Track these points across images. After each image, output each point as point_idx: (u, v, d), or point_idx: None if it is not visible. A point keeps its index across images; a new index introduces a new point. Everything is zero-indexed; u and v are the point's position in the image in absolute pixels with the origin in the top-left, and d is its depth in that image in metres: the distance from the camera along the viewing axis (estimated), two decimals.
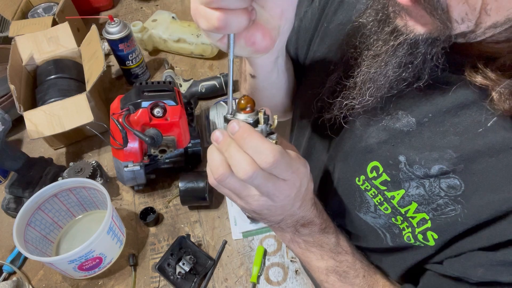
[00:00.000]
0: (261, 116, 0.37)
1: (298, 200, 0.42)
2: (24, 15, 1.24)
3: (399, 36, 0.35)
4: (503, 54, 0.34)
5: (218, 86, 1.06)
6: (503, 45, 0.34)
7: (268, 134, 0.38)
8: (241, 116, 0.37)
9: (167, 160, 0.88)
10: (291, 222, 0.46)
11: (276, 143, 0.37)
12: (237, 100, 0.38)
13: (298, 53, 0.63)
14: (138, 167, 0.79)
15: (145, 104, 0.74)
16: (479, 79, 0.35)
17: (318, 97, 0.54)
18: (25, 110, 0.87)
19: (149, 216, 0.83)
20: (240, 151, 0.36)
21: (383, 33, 0.37)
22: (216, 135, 0.38)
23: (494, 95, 0.34)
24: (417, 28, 0.33)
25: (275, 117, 0.38)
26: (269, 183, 0.37)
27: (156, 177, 0.89)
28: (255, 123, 0.37)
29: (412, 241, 0.44)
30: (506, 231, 0.36)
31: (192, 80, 1.08)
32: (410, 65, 0.36)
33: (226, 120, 0.38)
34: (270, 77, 0.51)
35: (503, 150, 0.35)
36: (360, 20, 0.41)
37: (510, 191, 0.35)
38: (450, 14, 0.31)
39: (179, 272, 0.73)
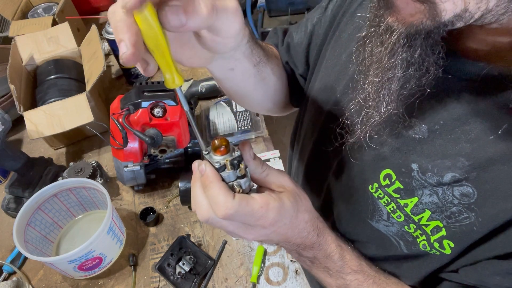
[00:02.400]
0: (228, 163, 0.38)
1: (279, 235, 0.42)
2: (24, 15, 1.24)
3: (393, 33, 0.35)
4: None
5: (218, 86, 1.05)
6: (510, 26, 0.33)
7: (238, 177, 0.39)
8: (215, 157, 0.39)
9: (167, 160, 0.88)
10: (290, 247, 0.46)
11: (239, 191, 0.38)
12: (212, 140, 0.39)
13: (308, 57, 0.63)
14: (138, 167, 0.79)
15: (145, 104, 0.74)
16: (500, 63, 0.35)
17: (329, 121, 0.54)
18: (25, 110, 0.87)
19: (149, 216, 0.83)
20: (202, 195, 0.39)
21: (378, 35, 0.37)
22: (194, 166, 0.40)
23: None
24: (407, 20, 0.33)
25: (242, 166, 0.39)
26: (229, 227, 0.40)
27: (156, 177, 0.89)
28: (223, 168, 0.38)
29: (428, 248, 0.44)
30: None
31: (192, 80, 1.08)
32: (412, 60, 0.36)
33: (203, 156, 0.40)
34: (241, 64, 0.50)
35: None
36: (361, 34, 0.42)
37: None
38: None
39: (179, 272, 0.73)
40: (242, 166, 0.38)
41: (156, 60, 0.33)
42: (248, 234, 0.40)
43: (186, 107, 0.38)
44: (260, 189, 0.43)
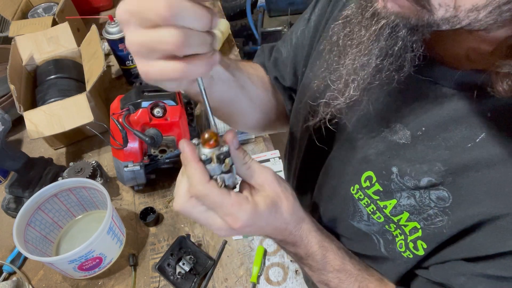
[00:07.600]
0: (214, 157, 0.39)
1: (255, 232, 0.43)
2: (24, 15, 1.24)
3: (380, 20, 0.34)
4: (501, 46, 0.33)
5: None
6: (498, 34, 0.33)
7: (223, 172, 0.40)
8: (204, 149, 0.39)
9: (167, 160, 0.88)
10: (272, 240, 0.48)
11: (221, 185, 0.39)
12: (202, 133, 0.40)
13: (296, 69, 0.63)
14: (138, 167, 0.79)
15: (145, 104, 0.74)
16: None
17: (301, 104, 0.54)
18: (25, 110, 0.87)
19: (149, 216, 0.83)
20: (181, 175, 0.40)
21: (364, 19, 0.37)
22: (179, 145, 0.40)
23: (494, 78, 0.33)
24: (396, 10, 0.33)
25: (227, 161, 0.40)
26: (200, 210, 0.40)
27: (156, 177, 0.89)
28: (209, 160, 0.39)
29: (403, 249, 0.45)
30: (484, 244, 0.37)
31: None
32: (391, 51, 0.36)
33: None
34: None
35: (487, 166, 0.36)
36: (343, 12, 0.41)
37: (488, 206, 0.36)
38: None
39: (179, 272, 0.73)
40: (227, 161, 0.40)
41: None
42: (219, 231, 0.40)
43: (205, 98, 0.40)
44: (242, 184, 0.43)
